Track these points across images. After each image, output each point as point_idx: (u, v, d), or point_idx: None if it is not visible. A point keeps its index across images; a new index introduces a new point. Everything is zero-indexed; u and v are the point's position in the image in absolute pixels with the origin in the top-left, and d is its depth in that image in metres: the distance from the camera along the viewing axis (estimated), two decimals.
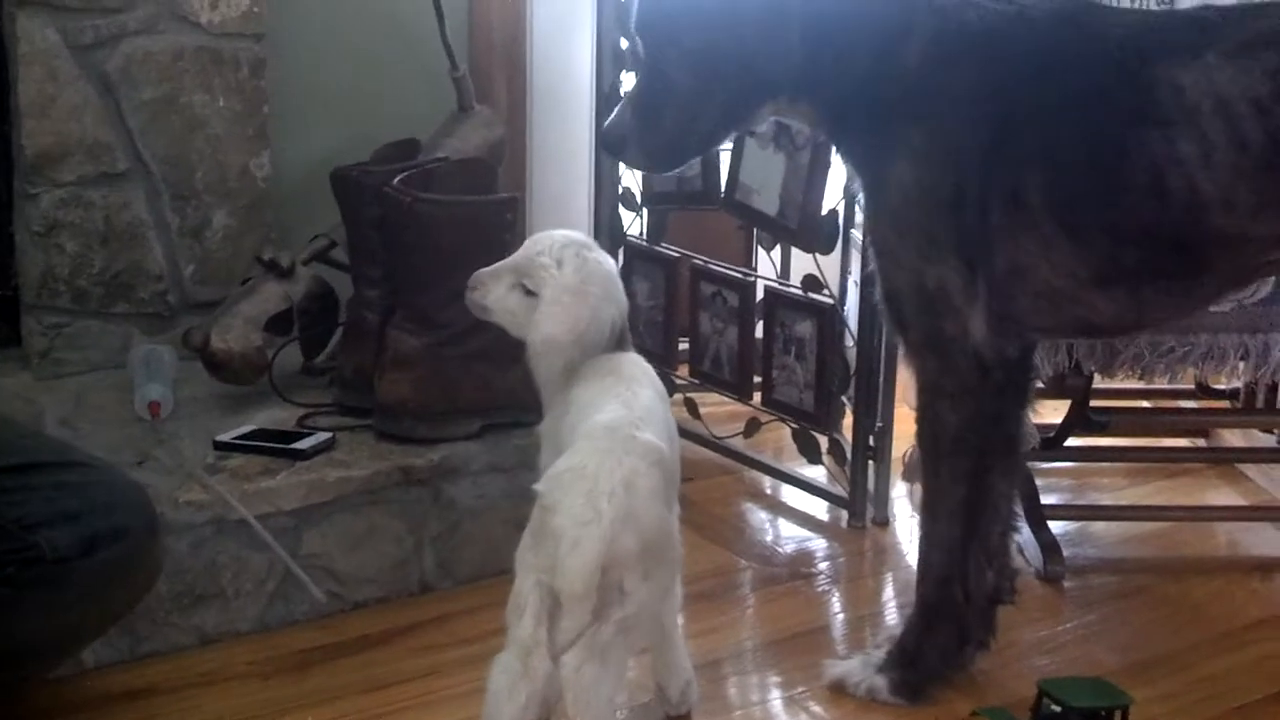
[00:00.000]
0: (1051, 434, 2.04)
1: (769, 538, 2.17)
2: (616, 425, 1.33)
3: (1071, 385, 1.99)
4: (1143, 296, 1.53)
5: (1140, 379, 2.02)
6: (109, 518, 1.37)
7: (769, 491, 2.32)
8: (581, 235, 1.51)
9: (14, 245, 2.02)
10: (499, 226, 1.88)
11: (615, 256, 2.51)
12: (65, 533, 1.33)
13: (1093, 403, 2.04)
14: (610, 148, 1.64)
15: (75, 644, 1.50)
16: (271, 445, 1.83)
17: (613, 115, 1.61)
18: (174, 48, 2.03)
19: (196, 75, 2.05)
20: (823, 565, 2.03)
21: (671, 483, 1.40)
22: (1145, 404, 2.50)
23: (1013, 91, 1.48)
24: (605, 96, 2.42)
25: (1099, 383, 2.04)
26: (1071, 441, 2.10)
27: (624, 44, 2.41)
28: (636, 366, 1.47)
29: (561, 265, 1.47)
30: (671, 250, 2.38)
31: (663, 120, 1.57)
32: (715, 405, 2.38)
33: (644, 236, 2.45)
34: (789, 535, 2.16)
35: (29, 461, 1.37)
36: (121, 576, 1.42)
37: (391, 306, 1.92)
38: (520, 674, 1.28)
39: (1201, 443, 2.52)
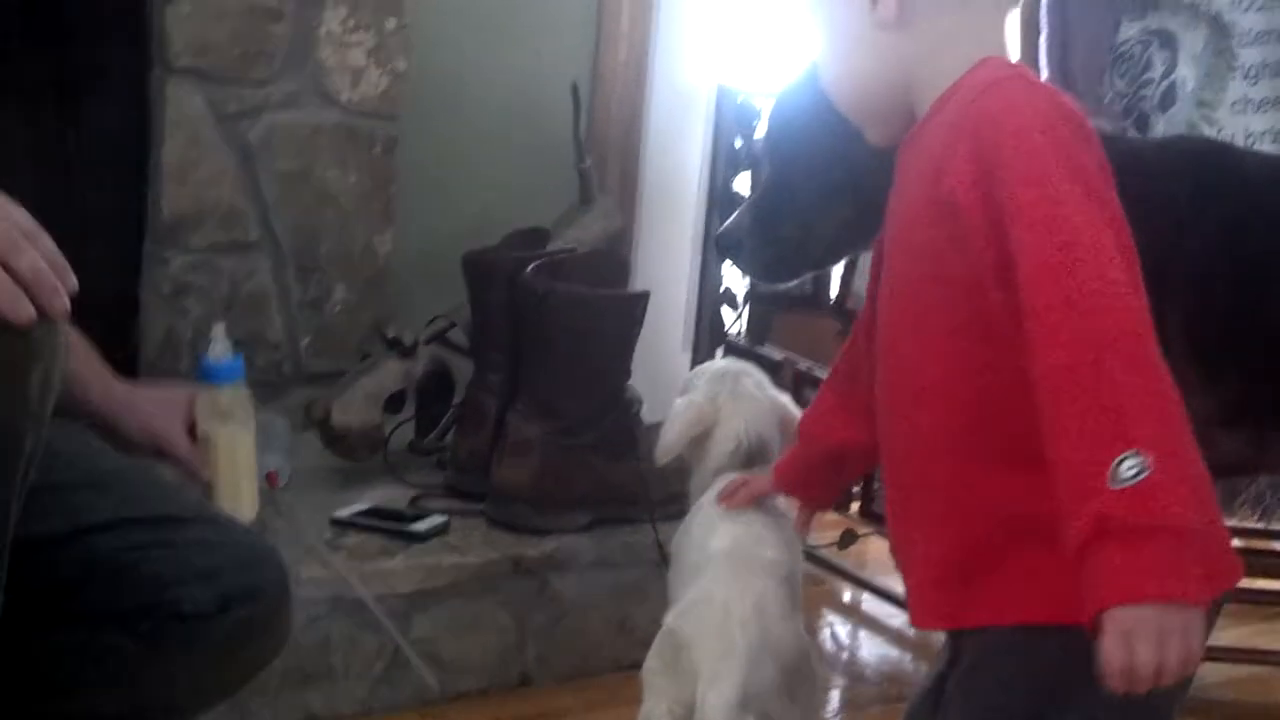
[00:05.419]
0: None
1: (861, 653, 2.14)
2: (736, 547, 1.33)
3: None
4: (1265, 438, 1.51)
5: (1259, 519, 1.99)
6: (245, 576, 1.36)
7: (861, 605, 2.29)
8: (747, 366, 1.54)
9: (138, 306, 2.03)
10: (630, 321, 1.89)
11: (714, 356, 2.52)
12: (202, 589, 1.32)
13: None
14: (726, 251, 1.61)
15: (199, 707, 1.48)
16: (389, 526, 1.83)
17: (731, 218, 1.57)
18: (313, 123, 2.06)
19: (331, 150, 2.08)
20: (916, 684, 2.00)
21: (798, 594, 1.39)
22: (1238, 543, 2.47)
23: (1162, 227, 1.47)
24: (717, 196, 2.44)
25: None
26: None
27: (738, 144, 2.44)
28: None
29: (699, 386, 1.52)
30: (774, 352, 2.38)
31: (781, 230, 1.51)
32: None
33: (744, 337, 2.45)
34: (881, 652, 2.13)
35: (167, 515, 1.36)
36: (253, 637, 1.40)
37: (512, 392, 1.92)
38: None
39: None
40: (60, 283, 1.04)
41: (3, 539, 1.12)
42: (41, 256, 1.03)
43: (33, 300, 1.02)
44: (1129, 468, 0.83)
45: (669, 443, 1.48)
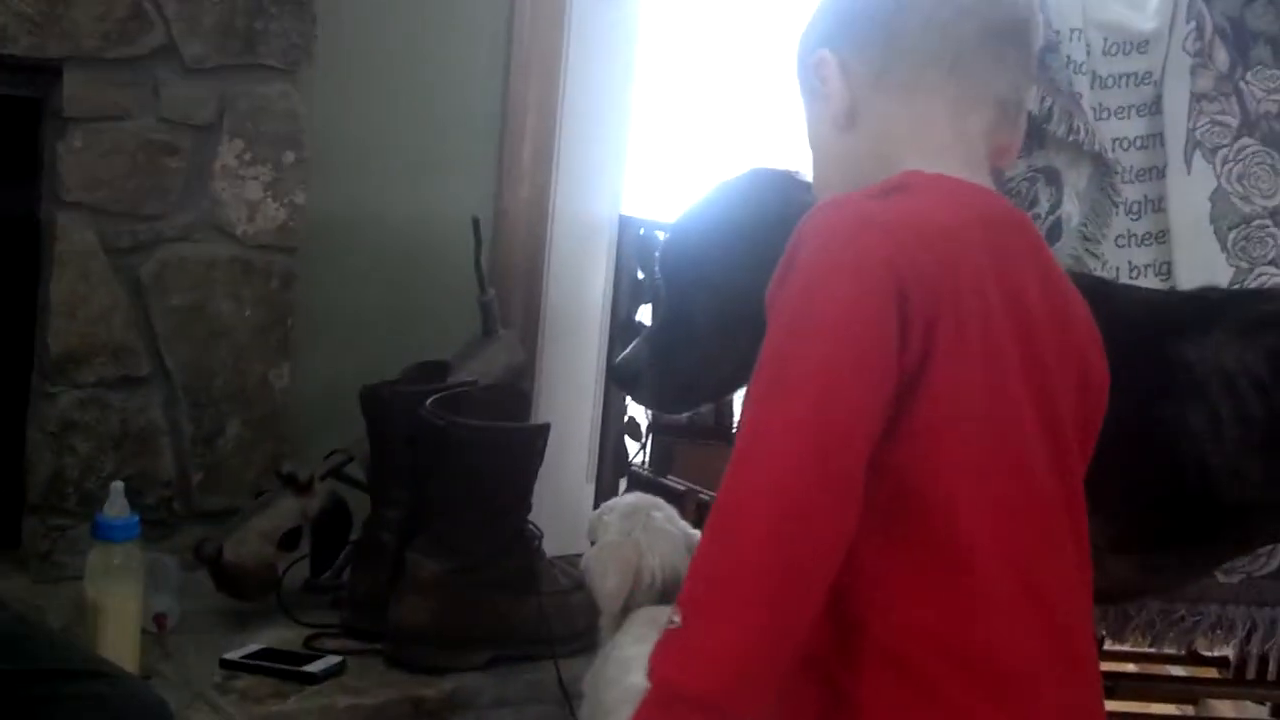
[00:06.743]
0: None
1: None
2: None
3: None
4: (1153, 563, 1.56)
5: (1151, 645, 2.01)
6: None
7: None
8: (654, 499, 1.55)
9: (24, 444, 1.97)
10: (531, 453, 1.87)
11: (617, 487, 2.50)
12: None
13: None
14: (622, 382, 1.60)
15: None
16: (281, 667, 1.76)
17: (628, 350, 1.57)
18: (208, 257, 2.04)
19: (227, 284, 2.06)
20: None
21: None
22: (1132, 667, 2.48)
23: None
24: (620, 328, 2.45)
25: None
26: None
27: (640, 275, 2.46)
28: None
29: (610, 525, 1.53)
30: (678, 483, 2.37)
31: (679, 362, 1.50)
32: None
33: (647, 468, 2.45)
34: None
35: (58, 669, 1.35)
36: None
37: (411, 528, 1.88)
38: None
39: (1190, 710, 2.49)
40: None
41: None
42: None
43: None
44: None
45: (611, 593, 1.47)
